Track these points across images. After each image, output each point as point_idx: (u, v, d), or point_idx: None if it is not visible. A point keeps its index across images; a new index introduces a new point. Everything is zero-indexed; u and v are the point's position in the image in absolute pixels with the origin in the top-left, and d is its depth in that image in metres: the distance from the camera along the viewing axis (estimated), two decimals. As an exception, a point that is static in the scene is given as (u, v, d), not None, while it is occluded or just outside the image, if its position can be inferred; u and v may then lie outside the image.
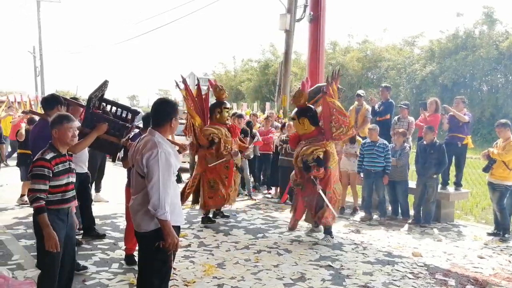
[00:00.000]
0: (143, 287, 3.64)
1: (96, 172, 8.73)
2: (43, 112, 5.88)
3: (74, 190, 4.16)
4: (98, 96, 5.38)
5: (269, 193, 10.55)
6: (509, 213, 7.64)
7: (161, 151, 3.40)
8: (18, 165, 9.07)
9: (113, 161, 6.09)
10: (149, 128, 3.64)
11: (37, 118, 8.49)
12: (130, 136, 5.42)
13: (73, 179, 4.11)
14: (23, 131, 9.47)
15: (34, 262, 5.29)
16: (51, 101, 5.51)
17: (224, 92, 7.75)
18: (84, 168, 6.44)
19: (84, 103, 6.52)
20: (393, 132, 9.31)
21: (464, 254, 6.48)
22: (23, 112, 13.68)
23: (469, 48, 28.49)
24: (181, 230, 3.98)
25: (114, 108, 5.75)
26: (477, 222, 8.81)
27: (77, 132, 4.14)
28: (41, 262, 4.04)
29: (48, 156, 3.87)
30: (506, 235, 7.30)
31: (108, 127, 5.10)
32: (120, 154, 5.68)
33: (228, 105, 7.83)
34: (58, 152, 3.96)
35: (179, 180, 4.00)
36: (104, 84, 5.47)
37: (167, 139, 3.71)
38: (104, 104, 5.73)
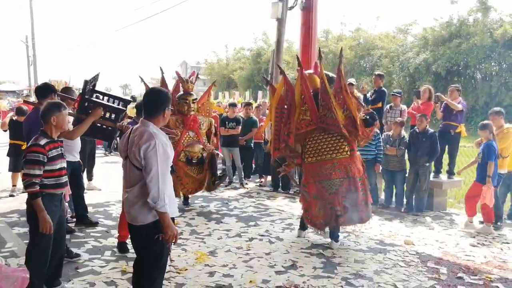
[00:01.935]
0: (142, 280, 3.59)
1: (87, 161, 8.67)
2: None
3: (67, 176, 4.31)
4: (90, 88, 5.33)
5: (261, 182, 10.52)
6: (502, 202, 7.65)
7: (158, 142, 3.34)
8: (8, 155, 9.00)
9: (109, 147, 6.11)
10: (141, 118, 3.56)
11: (26, 108, 8.44)
12: (128, 122, 5.41)
13: (65, 164, 4.27)
14: (7, 121, 9.42)
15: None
16: (45, 90, 5.49)
17: (188, 84, 7.83)
18: (76, 156, 6.49)
19: (77, 92, 6.50)
20: (385, 120, 9.28)
21: (456, 243, 6.47)
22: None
23: (463, 36, 28.42)
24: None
25: (106, 98, 5.71)
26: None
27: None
28: (33, 247, 4.10)
29: (42, 141, 3.99)
30: (499, 223, 7.30)
31: (104, 112, 5.08)
32: (117, 141, 5.67)
33: (189, 98, 7.75)
34: (51, 138, 4.09)
35: (172, 170, 4.00)
36: (96, 76, 5.44)
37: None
38: (96, 95, 5.68)
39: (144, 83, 8.31)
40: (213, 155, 7.93)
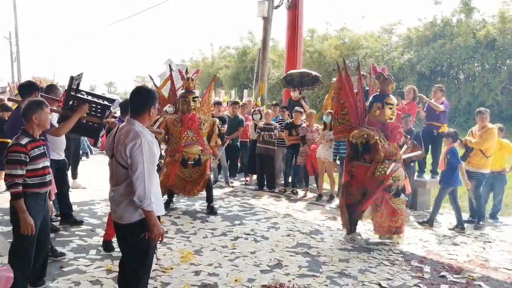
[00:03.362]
0: (128, 278, 3.58)
1: (72, 159, 8.60)
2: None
3: (51, 174, 4.28)
4: (74, 88, 5.30)
5: (246, 181, 10.53)
6: (485, 201, 7.75)
7: (144, 141, 3.34)
8: None
9: (95, 145, 6.09)
10: (127, 117, 3.56)
11: (10, 104, 8.34)
12: (113, 120, 5.40)
13: (48, 163, 4.23)
14: None
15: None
16: (28, 88, 5.43)
17: (189, 81, 7.64)
18: (61, 154, 6.44)
19: (62, 89, 6.45)
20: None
21: (439, 241, 6.55)
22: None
23: (446, 36, 28.67)
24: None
25: (90, 98, 5.68)
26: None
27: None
28: (16, 246, 4.08)
29: (23, 141, 3.93)
30: (481, 223, 7.39)
31: (89, 108, 5.05)
32: (102, 139, 5.65)
33: (189, 96, 7.53)
34: (32, 137, 4.03)
35: (159, 169, 4.00)
36: (80, 75, 5.41)
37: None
38: (80, 94, 5.65)
39: (153, 82, 8.38)
40: (210, 183, 7.75)
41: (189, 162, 7.42)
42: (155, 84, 8.33)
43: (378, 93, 6.34)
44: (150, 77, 8.62)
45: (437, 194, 7.64)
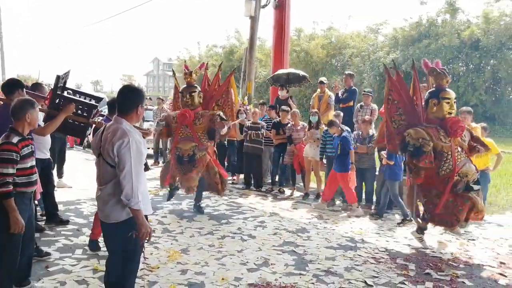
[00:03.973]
0: (115, 278, 3.57)
1: (57, 157, 8.54)
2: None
3: (37, 174, 4.26)
4: (60, 86, 5.27)
5: (234, 180, 10.53)
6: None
7: (132, 139, 3.33)
8: None
9: (81, 144, 6.05)
10: (115, 116, 3.55)
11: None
12: (100, 119, 5.37)
13: (35, 162, 4.20)
14: None
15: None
16: (12, 86, 5.36)
17: (188, 76, 7.49)
18: (46, 153, 6.38)
19: (47, 88, 6.40)
20: (356, 119, 9.41)
21: (424, 239, 6.60)
22: None
23: (432, 36, 28.95)
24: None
25: (77, 96, 5.65)
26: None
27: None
28: (1, 246, 4.02)
29: (15, 139, 3.91)
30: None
31: (76, 108, 5.02)
32: (88, 139, 5.60)
33: (185, 91, 7.39)
34: (22, 136, 4.01)
35: (146, 168, 3.96)
36: (66, 73, 5.37)
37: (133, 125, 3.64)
38: (67, 92, 5.62)
39: (175, 78, 8.45)
40: (202, 181, 7.45)
41: (184, 159, 7.19)
42: (176, 79, 8.46)
43: (433, 88, 6.21)
44: (173, 71, 8.42)
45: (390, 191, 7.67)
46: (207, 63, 8.43)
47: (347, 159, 7.93)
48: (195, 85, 7.50)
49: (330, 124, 8.15)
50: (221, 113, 7.37)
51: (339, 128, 8.09)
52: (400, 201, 7.54)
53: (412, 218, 6.89)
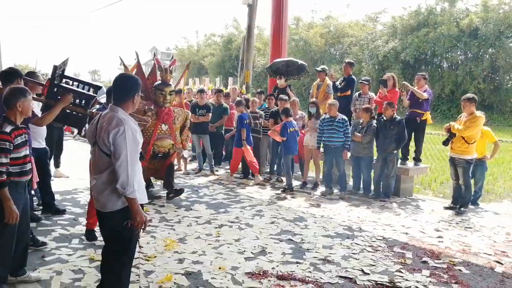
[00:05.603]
0: (110, 266, 3.56)
1: (54, 147, 8.52)
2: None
3: (32, 163, 4.24)
4: (59, 73, 5.22)
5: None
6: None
7: (128, 128, 3.29)
8: None
9: (79, 134, 6.00)
10: (110, 104, 3.51)
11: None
12: (97, 108, 5.34)
13: (29, 151, 4.16)
14: None
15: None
16: (10, 75, 5.31)
17: (167, 74, 7.47)
18: (42, 143, 6.36)
19: (44, 77, 6.33)
20: (354, 108, 9.38)
21: (421, 228, 6.61)
22: None
23: (430, 25, 28.86)
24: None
25: (76, 84, 5.60)
26: (435, 196, 9.02)
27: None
28: None
29: (8, 129, 3.86)
30: (462, 209, 7.47)
31: (74, 98, 4.99)
32: (86, 128, 5.56)
33: (166, 89, 7.37)
34: (15, 125, 3.96)
35: (141, 157, 3.93)
36: (65, 61, 5.32)
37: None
38: (66, 80, 5.57)
39: (123, 63, 8.28)
40: (171, 167, 7.70)
41: (158, 155, 7.41)
42: (125, 66, 8.08)
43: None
44: (137, 54, 8.28)
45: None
46: (175, 59, 8.49)
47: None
48: (170, 83, 7.53)
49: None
50: (190, 114, 7.88)
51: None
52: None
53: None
